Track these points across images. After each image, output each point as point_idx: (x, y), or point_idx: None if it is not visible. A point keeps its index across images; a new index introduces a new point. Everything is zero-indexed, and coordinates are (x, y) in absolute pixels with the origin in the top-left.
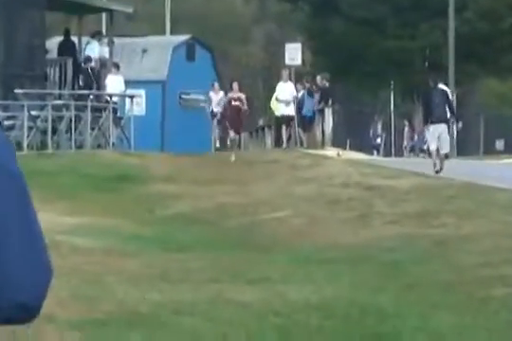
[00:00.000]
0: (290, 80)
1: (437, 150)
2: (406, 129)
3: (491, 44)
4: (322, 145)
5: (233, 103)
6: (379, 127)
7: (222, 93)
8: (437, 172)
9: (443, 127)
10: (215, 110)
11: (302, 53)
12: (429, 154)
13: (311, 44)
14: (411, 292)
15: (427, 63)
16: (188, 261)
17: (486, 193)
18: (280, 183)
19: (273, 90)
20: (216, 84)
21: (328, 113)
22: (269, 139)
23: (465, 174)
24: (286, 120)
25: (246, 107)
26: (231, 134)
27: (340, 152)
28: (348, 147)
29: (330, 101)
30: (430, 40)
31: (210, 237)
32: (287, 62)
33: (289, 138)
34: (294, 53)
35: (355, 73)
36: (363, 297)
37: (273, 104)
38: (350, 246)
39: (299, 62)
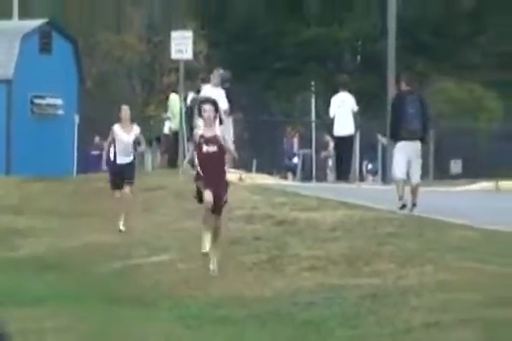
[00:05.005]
0: (227, 81)
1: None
2: (331, 144)
3: (444, 34)
4: None
5: (206, 150)
6: (296, 143)
7: (137, 128)
8: (403, 207)
9: (416, 146)
10: (120, 161)
11: (194, 44)
12: (395, 182)
13: (206, 33)
14: None
15: (359, 58)
16: (42, 320)
17: (436, 230)
18: (163, 216)
19: (156, 93)
20: (126, 109)
21: (227, 123)
22: (150, 158)
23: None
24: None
25: (233, 153)
26: (208, 203)
27: (243, 176)
28: (254, 168)
29: (229, 108)
30: (364, 27)
31: (71, 287)
32: (174, 55)
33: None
34: (183, 44)
35: (264, 70)
36: None
37: (173, 114)
38: (256, 301)
39: (189, 55)
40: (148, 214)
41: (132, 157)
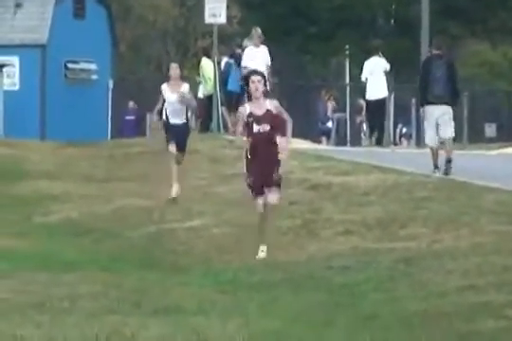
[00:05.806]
0: (262, 42)
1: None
2: (364, 109)
3: None
4: None
5: (258, 129)
6: (330, 106)
7: (186, 86)
8: (436, 168)
9: (444, 109)
10: (173, 121)
11: (228, 8)
12: (430, 150)
13: None
14: (369, 327)
15: (392, 22)
16: (75, 285)
17: (471, 194)
18: (197, 181)
19: (189, 57)
20: (175, 68)
21: None
22: None
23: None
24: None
25: (286, 131)
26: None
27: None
28: None
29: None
30: None
31: (104, 252)
32: (208, 19)
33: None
34: (216, 8)
35: (298, 34)
36: (307, 334)
37: (205, 79)
38: (290, 265)
39: (223, 19)
40: (182, 178)
41: (184, 119)
